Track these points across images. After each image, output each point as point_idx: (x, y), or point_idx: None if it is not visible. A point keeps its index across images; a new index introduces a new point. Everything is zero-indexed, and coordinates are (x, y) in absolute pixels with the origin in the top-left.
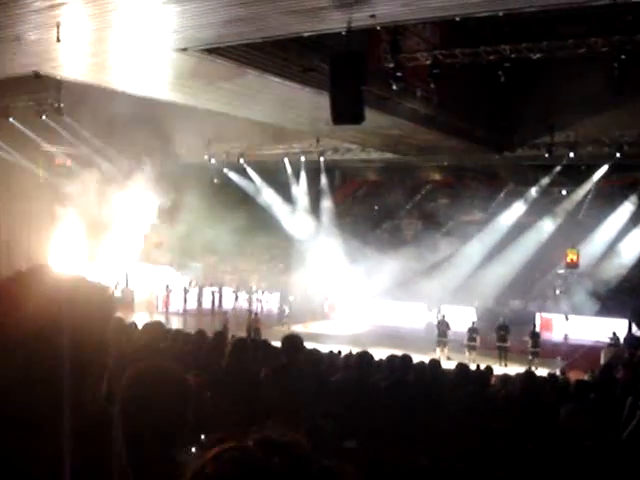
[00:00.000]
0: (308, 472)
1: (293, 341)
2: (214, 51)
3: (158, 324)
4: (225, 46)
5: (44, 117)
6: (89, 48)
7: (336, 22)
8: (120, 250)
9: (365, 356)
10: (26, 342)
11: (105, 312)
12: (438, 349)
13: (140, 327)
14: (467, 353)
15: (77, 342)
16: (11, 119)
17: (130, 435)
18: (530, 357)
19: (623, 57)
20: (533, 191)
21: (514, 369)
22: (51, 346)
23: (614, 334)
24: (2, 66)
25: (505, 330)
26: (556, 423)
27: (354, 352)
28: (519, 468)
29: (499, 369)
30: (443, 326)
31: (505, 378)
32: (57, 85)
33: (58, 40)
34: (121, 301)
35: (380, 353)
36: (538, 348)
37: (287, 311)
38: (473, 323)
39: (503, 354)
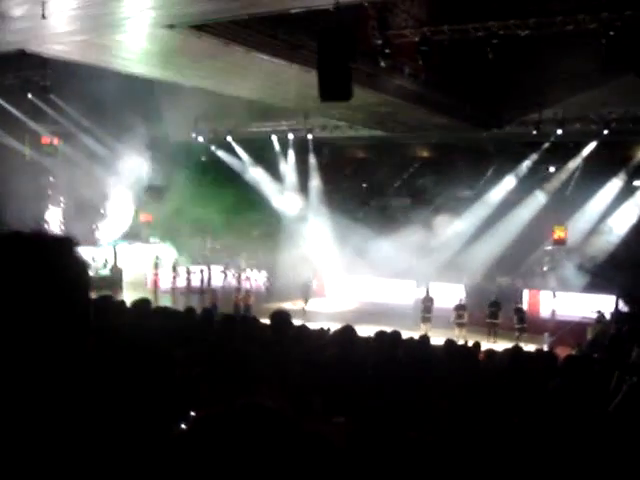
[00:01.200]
0: (293, 436)
1: (281, 317)
2: (201, 28)
3: (146, 301)
4: (212, 23)
5: (30, 95)
6: (75, 25)
7: None
8: (109, 228)
9: (347, 331)
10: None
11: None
12: (422, 325)
13: (128, 305)
14: (456, 330)
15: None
16: None
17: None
18: (517, 334)
19: (611, 34)
20: (521, 168)
21: (503, 345)
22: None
23: (599, 311)
24: None
25: (496, 307)
26: (543, 398)
27: None
28: (506, 442)
29: (487, 345)
30: (427, 302)
31: (491, 353)
32: (43, 63)
33: (43, 17)
34: (110, 279)
35: (368, 330)
36: (524, 324)
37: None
38: (460, 300)
39: (493, 331)
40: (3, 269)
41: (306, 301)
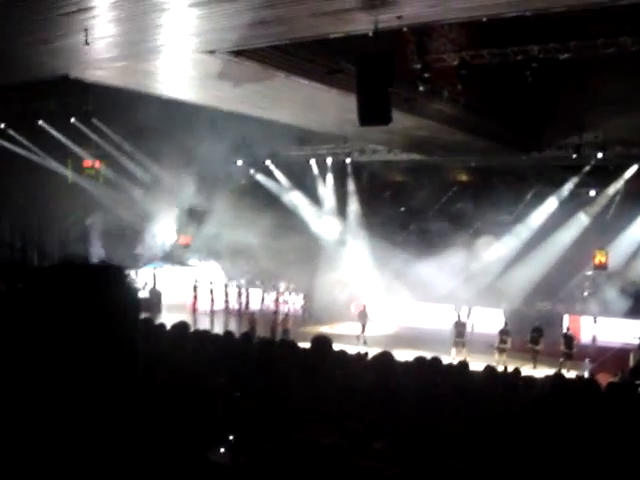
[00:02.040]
0: (350, 473)
1: (322, 342)
2: (241, 53)
3: (185, 325)
4: (252, 48)
5: (73, 120)
6: (116, 51)
7: (363, 23)
8: (148, 251)
9: (386, 356)
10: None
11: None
12: (454, 349)
13: (168, 328)
14: (496, 355)
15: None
16: (40, 122)
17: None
18: (561, 359)
19: None
20: (561, 192)
21: (542, 372)
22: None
23: None
24: (32, 70)
25: (538, 332)
26: (585, 426)
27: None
28: (549, 471)
29: (527, 371)
30: (460, 326)
31: (531, 380)
32: (85, 88)
33: (86, 43)
34: (149, 302)
35: (407, 355)
36: (572, 350)
37: (308, 313)
38: (505, 325)
39: (534, 357)
40: (55, 300)
41: (363, 327)
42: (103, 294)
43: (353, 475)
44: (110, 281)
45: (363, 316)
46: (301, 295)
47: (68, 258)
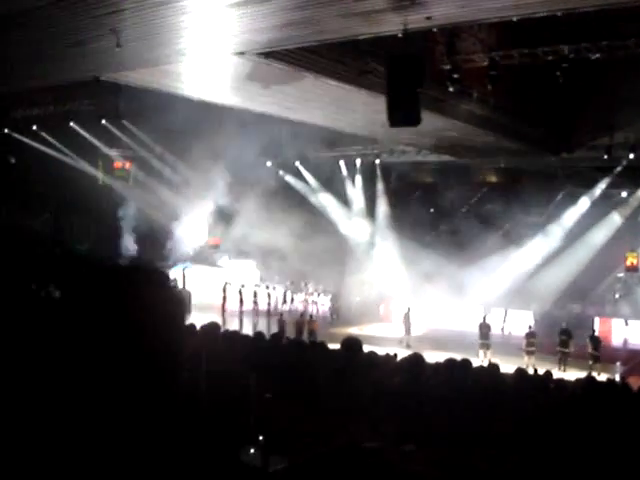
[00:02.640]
0: (394, 477)
1: (352, 343)
2: (271, 55)
3: (215, 325)
4: (281, 50)
5: (103, 121)
6: (147, 53)
7: (392, 24)
8: (178, 251)
9: (416, 358)
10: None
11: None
12: (481, 352)
13: (198, 328)
14: (525, 358)
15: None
16: (72, 123)
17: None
18: (590, 362)
19: None
20: (592, 193)
21: (573, 374)
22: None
23: None
24: (64, 71)
25: (567, 335)
26: (617, 429)
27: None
28: (579, 474)
29: (557, 374)
30: (484, 328)
31: (562, 383)
32: (116, 89)
33: (118, 46)
34: None
35: (436, 356)
36: (598, 352)
37: (335, 314)
38: (531, 327)
39: (563, 359)
40: (102, 302)
41: (408, 331)
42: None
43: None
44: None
45: (407, 319)
46: (329, 296)
47: (134, 262)
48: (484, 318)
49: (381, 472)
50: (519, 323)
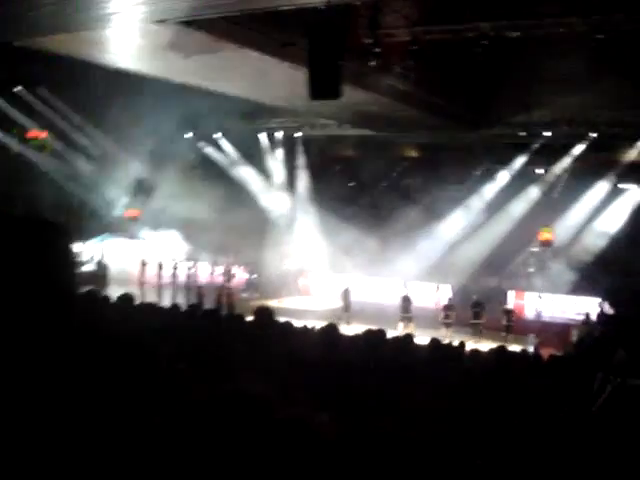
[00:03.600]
0: (277, 422)
1: (264, 314)
2: (191, 24)
3: (130, 297)
4: (203, 19)
5: (18, 88)
6: (64, 19)
7: None
8: (96, 224)
9: (331, 329)
10: None
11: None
12: (401, 324)
13: (114, 300)
14: (443, 330)
15: None
16: None
17: None
18: (504, 333)
19: (600, 37)
20: (509, 169)
21: (487, 345)
22: None
23: (587, 313)
24: None
25: (479, 307)
26: (528, 398)
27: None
28: (492, 441)
29: (472, 345)
30: (405, 301)
31: (476, 352)
32: (32, 56)
33: (30, 10)
34: (96, 274)
35: (355, 329)
36: (511, 322)
37: (254, 288)
38: (450, 300)
39: (477, 331)
40: None
41: (347, 308)
42: (41, 245)
43: (280, 425)
44: (49, 235)
45: (346, 296)
46: (250, 269)
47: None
48: (406, 292)
49: (265, 416)
50: (436, 296)
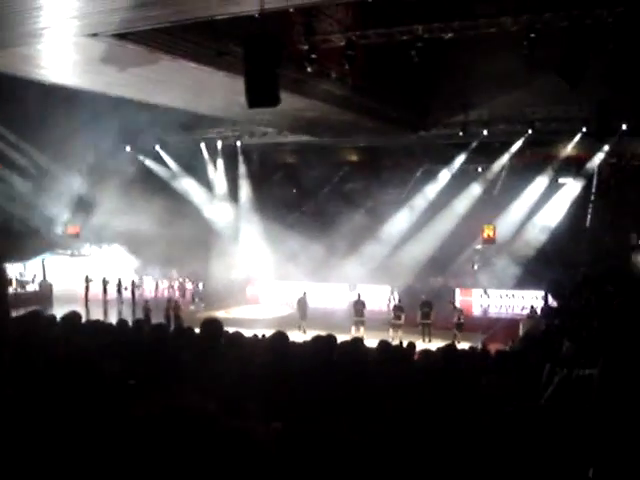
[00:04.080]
0: (215, 433)
1: (212, 325)
2: (124, 36)
3: (76, 315)
4: (136, 31)
5: None
6: None
7: (249, 4)
8: (36, 243)
9: (280, 336)
10: None
11: None
12: (354, 328)
13: (58, 319)
14: (391, 331)
15: None
16: None
17: None
18: (455, 331)
19: (532, 36)
20: (449, 169)
21: (437, 344)
22: None
23: (532, 307)
24: None
25: (428, 307)
26: (477, 393)
27: None
28: (442, 437)
29: (422, 345)
30: (359, 305)
31: (426, 352)
32: None
33: None
34: (39, 294)
35: (304, 336)
36: (462, 321)
37: (201, 299)
38: (399, 301)
39: (427, 330)
40: None
41: (303, 316)
42: None
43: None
44: None
45: (302, 304)
46: (196, 281)
47: None
48: (358, 296)
49: (202, 429)
50: (382, 299)
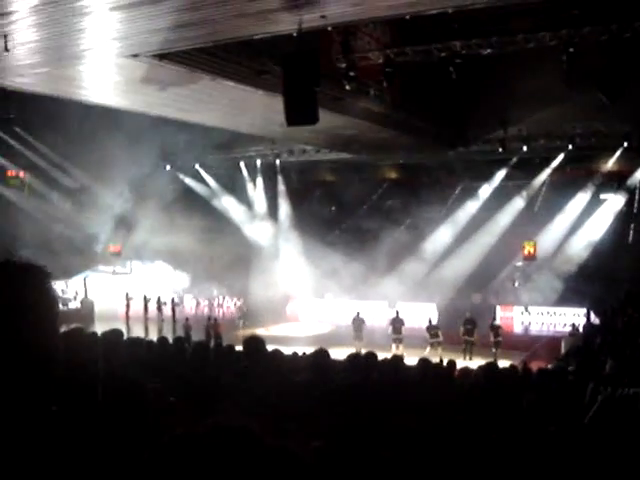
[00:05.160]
0: (260, 453)
1: (254, 343)
2: (165, 56)
3: (117, 332)
4: (176, 51)
5: None
6: (37, 57)
7: (287, 24)
8: (77, 260)
9: (320, 354)
10: None
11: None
12: (394, 346)
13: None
14: (428, 349)
15: None
16: None
17: None
18: (493, 349)
19: (571, 50)
20: (488, 185)
21: (478, 362)
22: None
23: (574, 324)
24: None
25: (472, 324)
26: (519, 412)
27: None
28: (485, 456)
29: (463, 363)
30: (397, 323)
31: (466, 371)
32: (7, 96)
33: (6, 50)
34: (81, 312)
35: (343, 352)
36: (499, 338)
37: (243, 317)
38: (430, 321)
39: (469, 348)
40: None
41: (359, 337)
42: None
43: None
44: (27, 282)
45: (359, 323)
46: (236, 299)
47: None
48: (397, 313)
49: (246, 448)
50: (423, 316)
